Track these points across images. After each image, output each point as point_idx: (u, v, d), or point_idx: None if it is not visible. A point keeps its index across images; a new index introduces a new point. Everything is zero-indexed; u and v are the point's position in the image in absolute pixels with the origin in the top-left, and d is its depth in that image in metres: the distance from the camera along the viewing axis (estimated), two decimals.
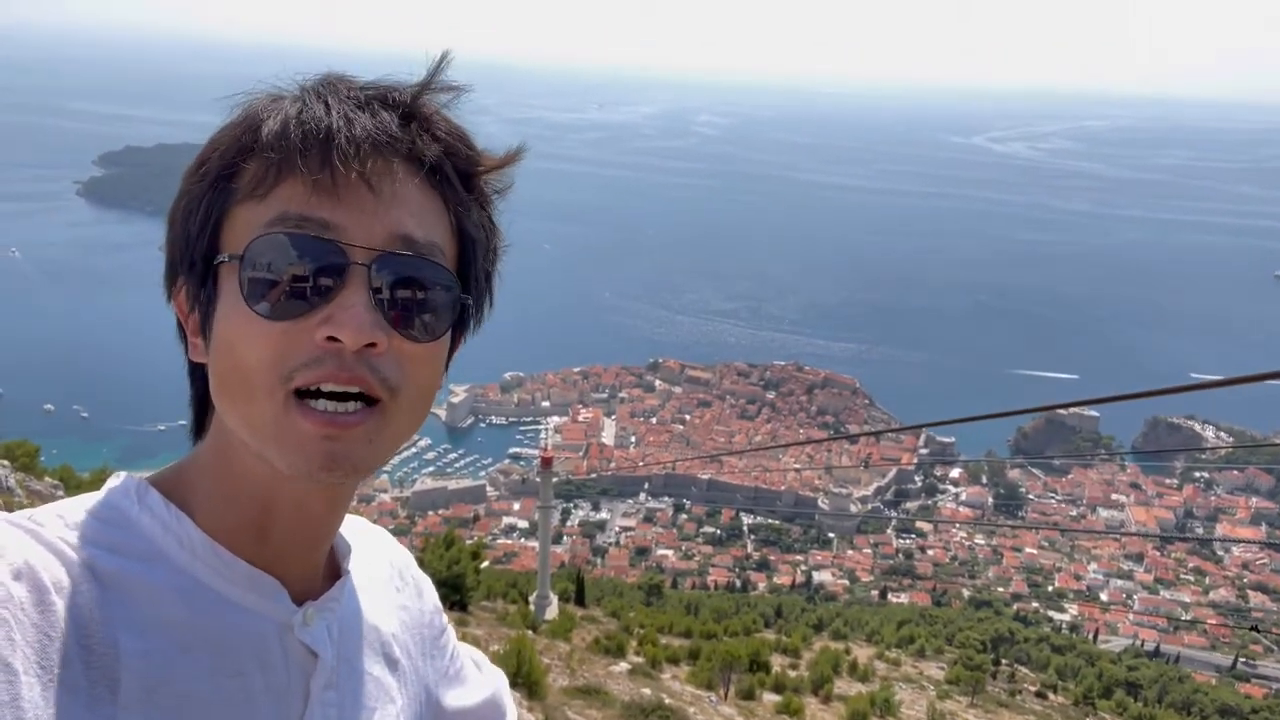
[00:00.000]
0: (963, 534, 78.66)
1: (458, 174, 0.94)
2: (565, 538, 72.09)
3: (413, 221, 0.89)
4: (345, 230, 0.85)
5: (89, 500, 0.91)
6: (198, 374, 0.97)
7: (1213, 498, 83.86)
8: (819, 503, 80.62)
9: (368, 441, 0.86)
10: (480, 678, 1.35)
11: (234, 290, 0.86)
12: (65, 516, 0.86)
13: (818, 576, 69.70)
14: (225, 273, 0.87)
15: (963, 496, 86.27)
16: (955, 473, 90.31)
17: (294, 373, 0.83)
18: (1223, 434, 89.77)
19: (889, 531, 79.39)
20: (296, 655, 0.95)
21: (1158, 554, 75.00)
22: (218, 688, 0.86)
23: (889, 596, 63.91)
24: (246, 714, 0.88)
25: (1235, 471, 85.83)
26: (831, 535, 78.09)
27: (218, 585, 0.90)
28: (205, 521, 0.91)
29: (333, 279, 0.84)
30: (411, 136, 0.90)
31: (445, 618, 1.28)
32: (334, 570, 1.06)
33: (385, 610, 1.12)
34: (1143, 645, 55.63)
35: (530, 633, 13.44)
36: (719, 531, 76.99)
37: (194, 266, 0.90)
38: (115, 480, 0.94)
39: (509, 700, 1.41)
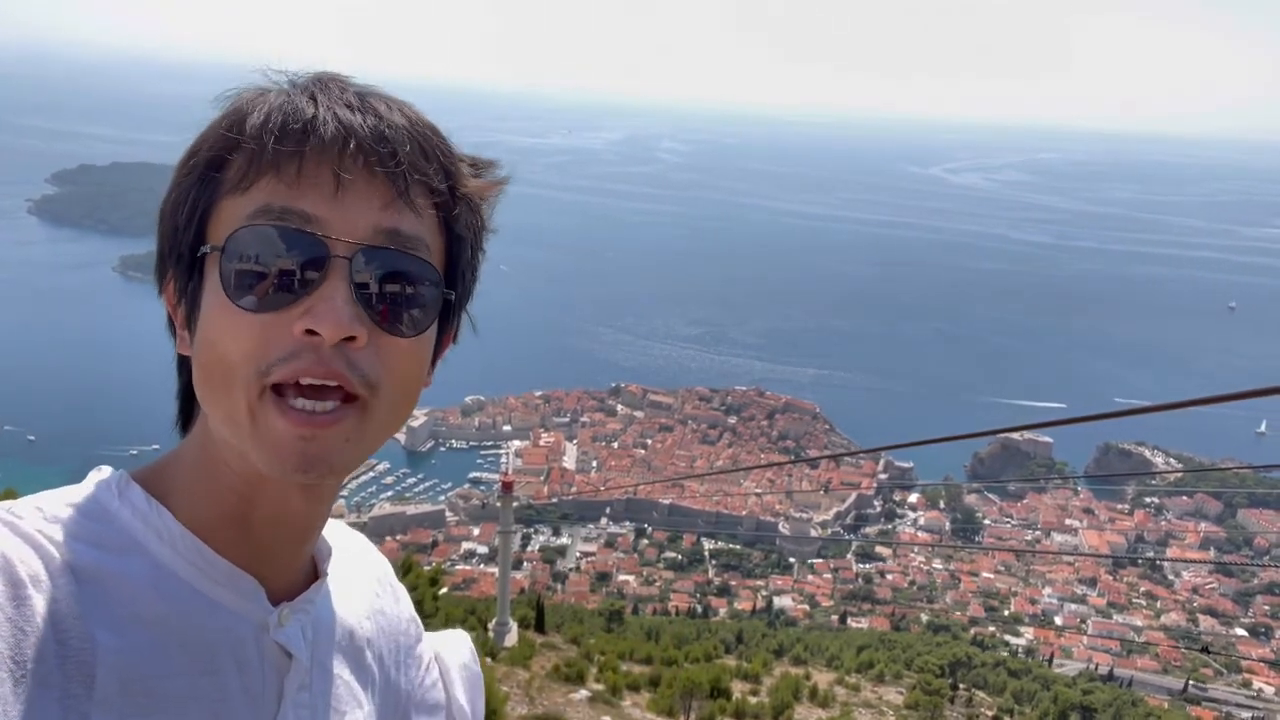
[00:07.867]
0: (921, 558, 79.23)
1: (444, 176, 0.94)
2: (525, 563, 71.35)
3: (398, 217, 0.89)
4: (327, 223, 0.85)
5: (70, 493, 0.90)
6: (185, 367, 0.96)
7: (1163, 522, 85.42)
8: (780, 527, 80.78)
9: (345, 440, 0.86)
10: (450, 695, 1.29)
11: (216, 282, 0.86)
12: (44, 509, 0.86)
13: (778, 601, 69.72)
14: (209, 264, 0.87)
15: (921, 521, 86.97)
16: (914, 497, 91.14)
17: (271, 367, 0.83)
18: (1171, 459, 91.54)
19: (849, 556, 79.70)
20: (272, 655, 0.95)
21: (1110, 578, 76.11)
22: (194, 685, 0.86)
23: (849, 621, 63.95)
24: (222, 712, 0.88)
25: (1184, 497, 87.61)
26: (792, 560, 78.20)
27: (197, 582, 0.89)
28: (186, 517, 0.91)
29: (314, 272, 0.84)
30: (398, 135, 0.90)
31: (421, 628, 1.27)
32: (314, 572, 1.06)
33: (360, 615, 1.12)
34: (1097, 669, 56.23)
35: (489, 660, 13.30)
36: (680, 557, 76.80)
37: (181, 258, 0.91)
38: (98, 473, 0.93)
39: (477, 703, 1.34)
